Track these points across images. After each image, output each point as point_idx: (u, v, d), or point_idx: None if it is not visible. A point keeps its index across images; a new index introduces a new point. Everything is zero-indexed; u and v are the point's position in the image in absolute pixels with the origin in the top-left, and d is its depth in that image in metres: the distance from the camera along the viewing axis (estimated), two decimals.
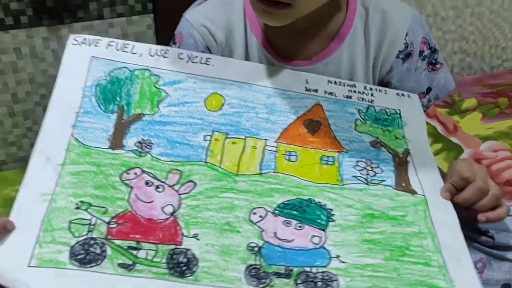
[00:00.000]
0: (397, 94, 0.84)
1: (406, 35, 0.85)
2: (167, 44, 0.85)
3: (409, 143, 0.78)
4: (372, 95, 0.82)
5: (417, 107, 0.84)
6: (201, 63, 0.77)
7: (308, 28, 0.83)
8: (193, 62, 0.77)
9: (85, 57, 0.73)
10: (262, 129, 0.74)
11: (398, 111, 0.82)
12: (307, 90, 0.80)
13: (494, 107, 1.84)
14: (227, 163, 0.70)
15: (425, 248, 0.66)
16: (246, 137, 0.73)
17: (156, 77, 0.75)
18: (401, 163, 0.76)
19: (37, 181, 0.62)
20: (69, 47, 0.74)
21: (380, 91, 0.83)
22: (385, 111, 0.81)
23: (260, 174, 0.70)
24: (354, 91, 0.82)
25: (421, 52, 0.88)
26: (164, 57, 0.76)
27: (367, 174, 0.73)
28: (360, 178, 0.72)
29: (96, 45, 0.75)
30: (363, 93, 0.82)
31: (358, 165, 0.74)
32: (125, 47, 0.76)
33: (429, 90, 0.92)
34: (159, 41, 1.52)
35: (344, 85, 0.82)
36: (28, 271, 0.54)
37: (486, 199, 0.70)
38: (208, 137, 0.72)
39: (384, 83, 0.90)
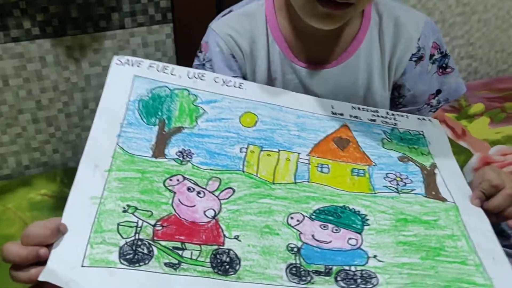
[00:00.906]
0: (418, 118, 0.87)
1: (419, 40, 0.90)
2: (186, 51, 0.89)
3: (435, 158, 0.81)
4: (395, 119, 0.86)
5: (440, 129, 0.88)
6: (235, 86, 0.82)
7: (330, 35, 0.87)
8: (227, 86, 0.82)
9: (128, 75, 0.77)
10: (294, 144, 0.78)
11: (421, 132, 0.85)
12: (333, 113, 0.85)
13: (501, 111, 1.87)
14: (263, 173, 0.73)
15: (459, 249, 0.68)
16: (279, 150, 0.76)
17: (194, 96, 0.79)
18: (429, 174, 0.78)
19: (86, 186, 0.64)
20: (113, 66, 0.77)
21: (401, 115, 0.87)
22: (409, 132, 0.85)
23: (295, 183, 0.72)
24: (378, 115, 0.86)
25: (431, 56, 0.93)
26: (201, 79, 0.81)
27: (397, 184, 0.76)
28: (391, 188, 0.75)
29: (138, 66, 0.79)
30: (386, 117, 0.86)
31: (388, 177, 0.77)
32: (165, 68, 0.80)
33: (438, 92, 0.96)
34: (178, 49, 1.57)
35: (367, 111, 0.86)
36: (82, 271, 0.56)
37: None
38: (244, 149, 0.75)
39: (397, 85, 0.94)
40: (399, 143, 0.83)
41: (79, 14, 1.48)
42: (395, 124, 0.86)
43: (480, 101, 1.91)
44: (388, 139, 0.83)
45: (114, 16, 1.52)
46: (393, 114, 0.87)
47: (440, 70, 0.94)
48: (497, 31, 2.15)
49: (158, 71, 0.79)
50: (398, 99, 0.97)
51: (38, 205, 1.52)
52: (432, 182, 0.77)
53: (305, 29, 0.88)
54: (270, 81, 0.94)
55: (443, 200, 0.75)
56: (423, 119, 0.88)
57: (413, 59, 0.91)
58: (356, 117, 0.85)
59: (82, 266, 0.57)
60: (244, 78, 0.95)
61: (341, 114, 0.85)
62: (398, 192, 0.75)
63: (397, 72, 0.92)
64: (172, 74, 0.80)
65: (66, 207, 0.61)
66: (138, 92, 0.76)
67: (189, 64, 0.92)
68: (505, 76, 2.21)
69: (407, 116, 0.87)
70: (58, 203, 1.53)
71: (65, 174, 1.65)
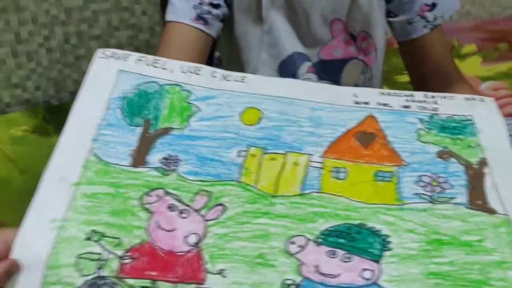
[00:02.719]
0: (467, 98, 0.73)
1: None
2: None
3: (486, 151, 0.67)
4: (435, 102, 0.72)
5: (494, 111, 0.73)
6: (236, 80, 0.72)
7: None
8: (227, 80, 0.72)
9: (112, 70, 0.70)
10: (306, 143, 0.67)
11: (470, 117, 0.71)
12: (356, 103, 0.72)
13: (493, 51, 1.90)
14: (264, 182, 0.62)
15: (510, 282, 0.55)
16: (286, 152, 0.65)
17: (187, 93, 0.70)
18: (476, 175, 0.65)
19: (47, 204, 0.56)
20: (96, 60, 0.70)
21: (444, 97, 0.73)
22: (454, 118, 0.71)
23: (301, 195, 0.62)
24: (413, 100, 0.73)
25: None
26: (197, 74, 0.72)
27: (433, 191, 0.63)
28: (424, 196, 0.62)
29: (125, 60, 0.71)
30: (424, 101, 0.73)
31: (421, 181, 0.64)
32: (156, 62, 0.72)
33: (434, 5, 0.92)
34: None
35: (400, 96, 0.73)
36: None
37: None
38: (243, 153, 0.65)
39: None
40: (439, 133, 0.69)
41: None
42: (436, 109, 0.72)
43: (472, 42, 1.94)
44: (426, 130, 0.69)
45: None
46: (433, 97, 0.73)
47: None
48: None
49: (147, 65, 0.71)
50: (386, 4, 0.94)
51: (19, 140, 1.57)
52: (479, 186, 0.64)
53: None
54: None
55: (492, 212, 0.61)
56: (473, 98, 0.73)
57: None
58: (385, 104, 0.72)
59: None
60: None
61: (366, 103, 0.72)
62: (432, 202, 0.61)
63: None
64: (163, 68, 0.71)
65: (19, 232, 0.54)
66: (122, 89, 0.68)
67: None
68: (498, 18, 2.21)
69: (451, 97, 0.73)
70: (39, 139, 1.58)
71: (47, 111, 1.68)
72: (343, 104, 0.71)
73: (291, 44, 0.92)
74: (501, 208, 0.61)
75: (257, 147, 0.65)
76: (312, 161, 0.65)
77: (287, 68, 0.92)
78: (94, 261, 0.52)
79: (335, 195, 0.62)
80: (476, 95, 0.74)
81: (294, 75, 0.92)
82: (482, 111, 0.72)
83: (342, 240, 0.57)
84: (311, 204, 0.60)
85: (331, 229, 0.58)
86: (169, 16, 0.86)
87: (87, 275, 0.51)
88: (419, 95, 0.73)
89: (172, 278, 0.53)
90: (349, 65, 0.93)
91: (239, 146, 0.65)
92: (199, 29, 0.85)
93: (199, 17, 0.85)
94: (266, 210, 0.59)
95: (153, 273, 0.53)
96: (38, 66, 1.64)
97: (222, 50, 1.03)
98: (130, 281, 0.52)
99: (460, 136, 0.69)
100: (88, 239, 0.54)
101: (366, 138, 0.68)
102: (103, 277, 0.51)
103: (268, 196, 0.61)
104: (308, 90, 0.73)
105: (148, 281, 0.52)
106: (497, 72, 1.78)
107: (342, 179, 0.63)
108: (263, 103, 0.70)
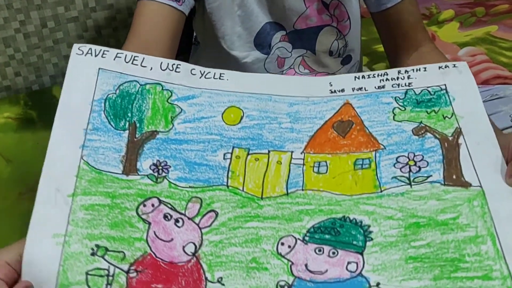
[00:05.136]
0: (440, 67, 0.73)
1: None
2: None
3: (460, 120, 0.67)
4: (409, 77, 0.72)
5: (466, 76, 0.72)
6: (215, 78, 0.72)
7: None
8: (206, 78, 0.72)
9: (92, 69, 0.68)
10: (287, 141, 0.68)
11: (443, 87, 0.71)
12: (332, 92, 0.73)
13: (471, 16, 1.91)
14: (250, 185, 0.64)
15: (483, 256, 0.57)
16: (269, 151, 0.67)
17: (168, 92, 0.70)
18: (451, 148, 0.66)
19: (47, 219, 0.57)
20: (73, 57, 0.68)
21: (418, 70, 0.73)
22: (428, 91, 0.71)
23: (287, 194, 0.64)
24: (387, 79, 0.73)
25: None
26: (176, 71, 0.71)
27: (410, 171, 0.65)
28: (402, 178, 0.64)
29: (103, 56, 0.69)
30: (398, 78, 0.73)
31: (398, 162, 0.65)
32: (135, 59, 0.71)
33: None
34: None
35: (374, 76, 0.73)
36: None
37: None
38: (228, 155, 0.66)
39: None
40: (415, 108, 0.70)
41: None
42: (410, 83, 0.72)
43: (450, 8, 1.95)
44: (401, 108, 0.70)
45: None
46: (406, 71, 0.73)
47: None
48: None
49: (126, 62, 0.70)
50: None
51: (2, 128, 1.55)
52: (454, 158, 0.64)
53: None
54: None
55: (467, 185, 0.62)
56: (446, 66, 0.73)
57: None
58: (360, 89, 0.73)
59: None
60: None
61: (342, 91, 0.73)
62: (410, 184, 0.64)
63: None
64: (142, 65, 0.70)
65: (25, 250, 0.54)
66: (103, 89, 0.67)
67: None
68: None
69: (424, 68, 0.73)
70: (22, 125, 1.55)
71: (29, 97, 1.66)
72: (320, 95, 0.73)
73: (263, 15, 0.91)
74: (475, 180, 0.62)
75: (241, 148, 0.67)
76: (294, 158, 0.67)
77: (262, 39, 0.92)
78: (103, 277, 0.54)
79: (318, 190, 0.64)
80: (448, 62, 0.74)
81: (269, 46, 0.92)
82: (455, 78, 0.71)
83: (327, 236, 0.61)
84: (296, 203, 0.63)
85: (317, 226, 0.61)
86: None
87: None
88: (392, 72, 0.73)
89: None
90: (322, 32, 0.93)
91: (224, 148, 0.67)
92: (170, 6, 0.84)
93: None
94: (255, 213, 0.62)
95: (159, 285, 0.55)
96: (17, 52, 1.62)
97: (197, 28, 1.03)
98: None
99: (434, 108, 0.69)
100: (93, 254, 0.56)
101: (343, 127, 0.70)
102: None
103: (256, 198, 0.63)
104: (285, 84, 0.74)
105: None
106: (474, 38, 1.79)
107: (323, 173, 0.66)
108: (243, 101, 0.71)
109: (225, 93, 0.71)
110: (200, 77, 0.72)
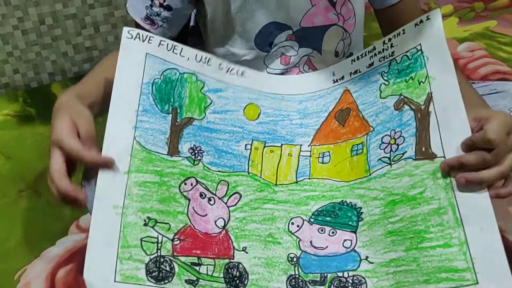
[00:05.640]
0: (416, 24, 0.73)
1: None
2: None
3: (432, 82, 0.68)
4: (391, 45, 0.75)
5: (437, 26, 0.71)
6: (237, 74, 0.79)
7: None
8: (230, 74, 0.79)
9: (140, 53, 0.72)
10: (297, 135, 0.77)
11: (419, 47, 0.72)
12: (334, 82, 0.79)
13: (470, 11, 1.90)
14: (267, 173, 0.74)
15: (445, 225, 0.61)
16: (282, 144, 0.77)
17: (201, 83, 0.76)
18: (422, 118, 0.68)
19: (108, 192, 0.63)
20: (124, 41, 0.71)
21: (398, 35, 0.74)
22: (407, 56, 0.72)
23: (297, 182, 0.74)
24: (375, 54, 0.77)
25: None
26: (208, 64, 0.77)
27: (391, 151, 0.69)
28: (384, 159, 0.69)
29: (149, 42, 0.73)
30: (383, 50, 0.76)
31: (383, 142, 0.70)
32: (175, 48, 0.75)
33: None
34: None
35: (365, 55, 0.77)
36: (115, 286, 0.61)
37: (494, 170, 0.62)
38: (248, 146, 0.75)
39: None
40: (396, 80, 0.72)
41: None
42: (392, 53, 0.74)
43: (449, 3, 1.93)
44: (386, 82, 0.74)
45: None
46: (389, 40, 0.75)
47: None
48: None
49: (168, 50, 0.74)
50: None
51: (1, 125, 1.56)
52: (425, 129, 0.66)
53: None
54: None
55: (433, 157, 0.64)
56: (420, 21, 0.72)
57: None
58: (355, 72, 0.78)
59: (115, 281, 0.61)
60: None
61: (342, 78, 0.79)
62: (390, 164, 0.69)
63: None
64: (181, 55, 0.75)
65: (92, 217, 0.62)
66: (151, 74, 0.71)
67: None
68: None
69: (403, 30, 0.74)
70: (21, 122, 1.57)
71: (28, 94, 1.65)
72: (325, 87, 0.80)
73: (266, 16, 0.89)
74: (440, 150, 0.64)
75: (259, 140, 0.76)
76: (302, 151, 0.77)
77: (263, 39, 0.91)
78: (154, 244, 0.65)
79: (322, 178, 0.74)
80: (423, 15, 0.73)
81: (270, 44, 0.91)
82: (429, 32, 0.71)
83: (328, 218, 0.71)
84: (304, 190, 0.74)
85: (320, 209, 0.72)
86: (128, 9, 0.88)
87: (151, 254, 0.64)
88: (379, 45, 0.76)
89: (211, 255, 0.67)
90: (329, 31, 0.92)
91: (245, 140, 0.76)
92: (145, 28, 0.85)
93: (147, 18, 0.85)
94: (271, 197, 0.73)
95: (198, 251, 0.67)
96: (15, 49, 1.59)
97: (200, 26, 1.01)
98: (182, 258, 0.66)
99: (412, 75, 0.71)
100: (145, 225, 0.65)
101: (343, 115, 0.77)
102: (163, 256, 0.65)
103: (271, 185, 0.74)
104: (296, 84, 0.82)
105: (195, 258, 0.66)
106: (473, 33, 1.77)
107: (327, 162, 0.75)
108: (260, 99, 0.79)
109: (246, 90, 0.79)
110: (226, 72, 0.78)
